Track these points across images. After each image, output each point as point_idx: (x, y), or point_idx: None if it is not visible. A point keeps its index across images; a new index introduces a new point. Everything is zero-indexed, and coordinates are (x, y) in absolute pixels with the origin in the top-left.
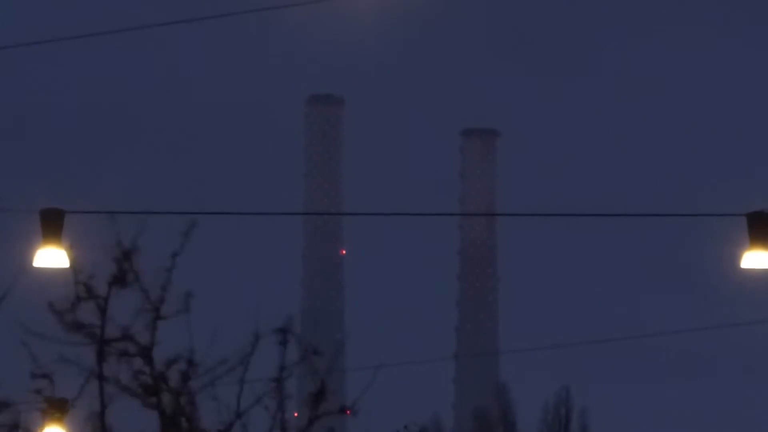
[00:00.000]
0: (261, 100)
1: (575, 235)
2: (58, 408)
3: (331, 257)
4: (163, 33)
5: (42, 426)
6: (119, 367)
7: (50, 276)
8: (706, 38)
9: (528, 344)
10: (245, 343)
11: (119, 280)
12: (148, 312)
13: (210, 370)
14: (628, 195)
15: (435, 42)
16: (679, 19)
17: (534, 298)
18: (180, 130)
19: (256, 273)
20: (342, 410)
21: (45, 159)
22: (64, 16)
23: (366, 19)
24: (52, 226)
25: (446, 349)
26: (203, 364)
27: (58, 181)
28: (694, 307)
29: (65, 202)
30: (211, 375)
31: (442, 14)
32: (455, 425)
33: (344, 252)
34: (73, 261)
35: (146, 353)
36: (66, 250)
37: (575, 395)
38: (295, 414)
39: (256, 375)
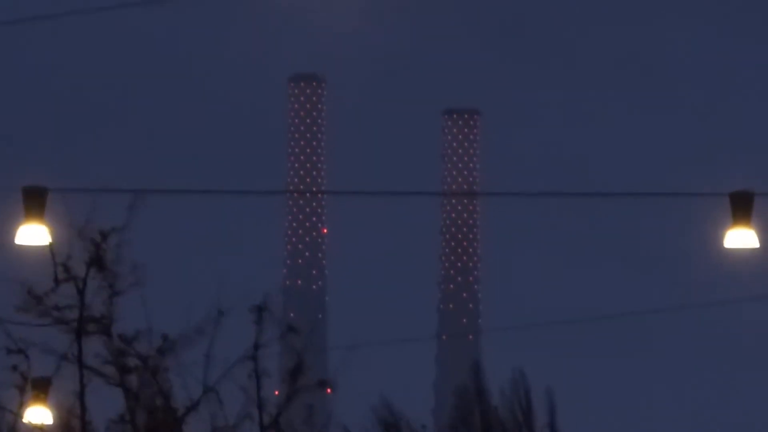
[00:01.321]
0: (243, 79)
1: (557, 214)
2: (40, 387)
3: (313, 236)
4: (144, 13)
5: (20, 405)
6: (84, 347)
7: (20, 257)
8: (687, 21)
9: (509, 323)
10: (214, 319)
11: (97, 261)
12: (104, 288)
13: (175, 345)
14: (611, 175)
15: (417, 22)
16: (661, 3)
17: (516, 277)
18: (163, 109)
19: (238, 251)
20: (320, 384)
21: (30, 137)
22: None
23: None
24: (34, 204)
25: (428, 329)
26: (170, 340)
27: (43, 159)
28: (675, 287)
29: (49, 181)
30: (177, 350)
31: None
32: (436, 404)
33: (326, 231)
34: (51, 242)
35: (106, 330)
36: (48, 228)
37: (559, 373)
38: (276, 392)
39: (234, 352)
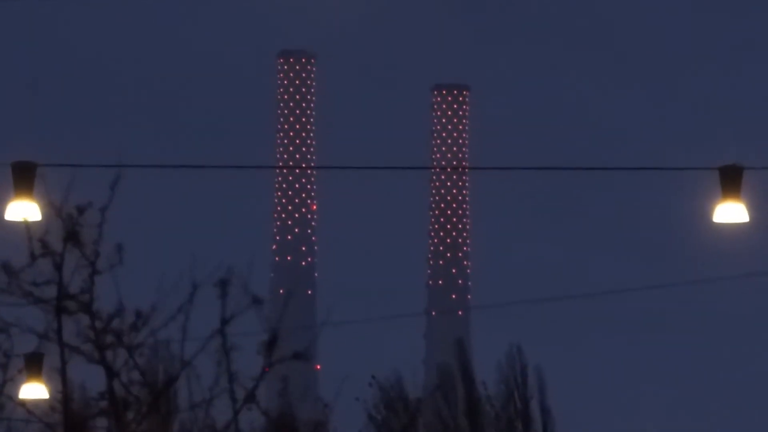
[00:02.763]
0: (232, 54)
1: (547, 189)
2: (34, 363)
3: (303, 212)
4: None
5: (4, 382)
6: (63, 326)
7: None
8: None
9: (498, 299)
10: (189, 294)
11: (73, 236)
12: (84, 267)
13: (148, 320)
14: (600, 150)
15: None
16: None
17: (505, 253)
18: (152, 86)
19: (227, 227)
20: (296, 356)
21: (18, 114)
22: None
23: None
24: (24, 180)
25: (417, 305)
26: (152, 317)
27: (31, 135)
28: (664, 263)
29: (35, 156)
30: (151, 325)
31: None
32: (426, 380)
33: (315, 207)
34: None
35: (86, 308)
36: (37, 203)
37: (549, 350)
38: (266, 369)
39: (213, 326)
